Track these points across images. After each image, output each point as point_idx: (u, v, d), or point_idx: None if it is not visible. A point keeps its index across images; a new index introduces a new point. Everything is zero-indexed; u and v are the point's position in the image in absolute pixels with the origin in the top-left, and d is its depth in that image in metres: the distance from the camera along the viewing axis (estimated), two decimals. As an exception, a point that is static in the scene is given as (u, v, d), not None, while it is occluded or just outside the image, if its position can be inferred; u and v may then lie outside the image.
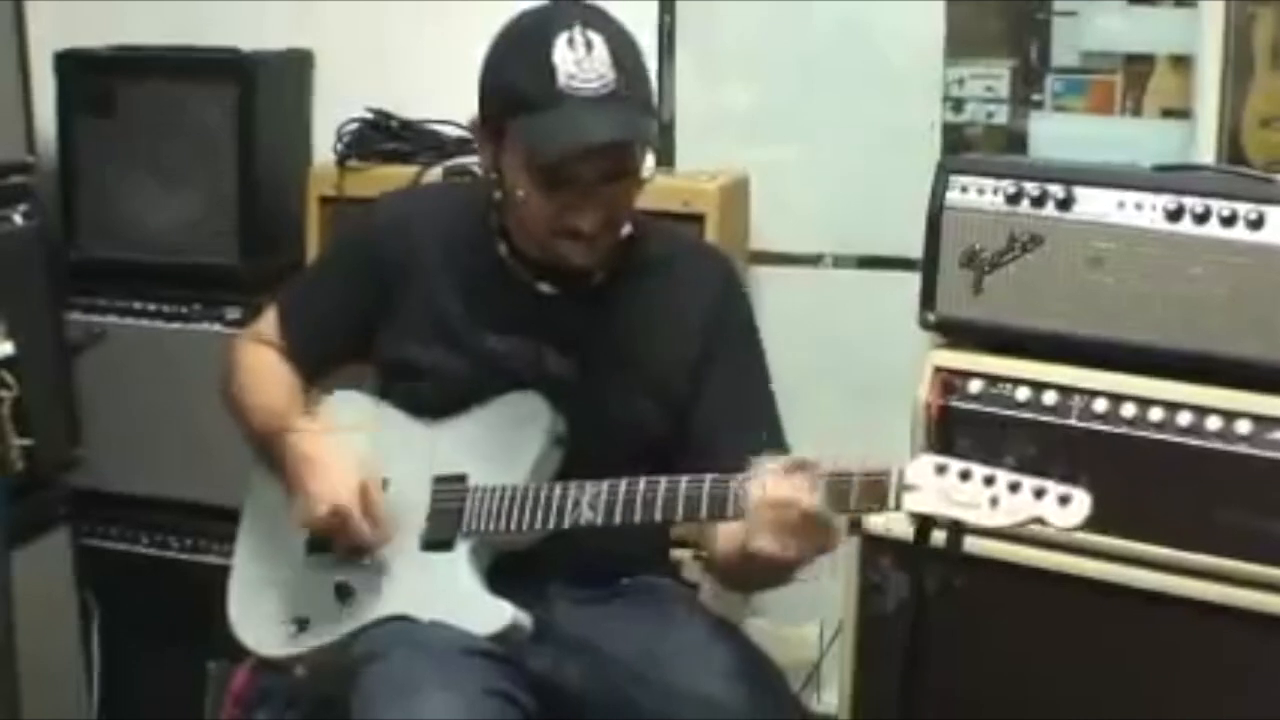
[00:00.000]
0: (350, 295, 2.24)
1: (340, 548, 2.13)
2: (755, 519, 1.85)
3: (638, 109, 2.04)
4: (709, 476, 1.95)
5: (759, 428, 2.18)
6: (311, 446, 2.16)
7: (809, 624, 3.16)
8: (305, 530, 2.17)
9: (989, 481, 1.79)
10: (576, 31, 1.97)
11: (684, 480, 1.96)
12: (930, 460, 1.82)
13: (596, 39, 1.98)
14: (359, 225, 2.36)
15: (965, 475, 1.80)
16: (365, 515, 2.09)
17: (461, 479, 2.12)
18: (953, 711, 2.29)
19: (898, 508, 1.83)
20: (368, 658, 2.01)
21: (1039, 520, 1.77)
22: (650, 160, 2.14)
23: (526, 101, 1.99)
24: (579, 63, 1.96)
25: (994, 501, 1.78)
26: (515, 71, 2.02)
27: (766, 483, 1.86)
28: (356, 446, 2.17)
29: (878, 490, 1.83)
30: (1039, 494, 1.77)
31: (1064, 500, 1.77)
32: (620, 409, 2.15)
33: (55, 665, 3.00)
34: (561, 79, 1.96)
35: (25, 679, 2.46)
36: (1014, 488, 1.78)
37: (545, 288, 2.17)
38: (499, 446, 2.11)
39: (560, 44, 1.97)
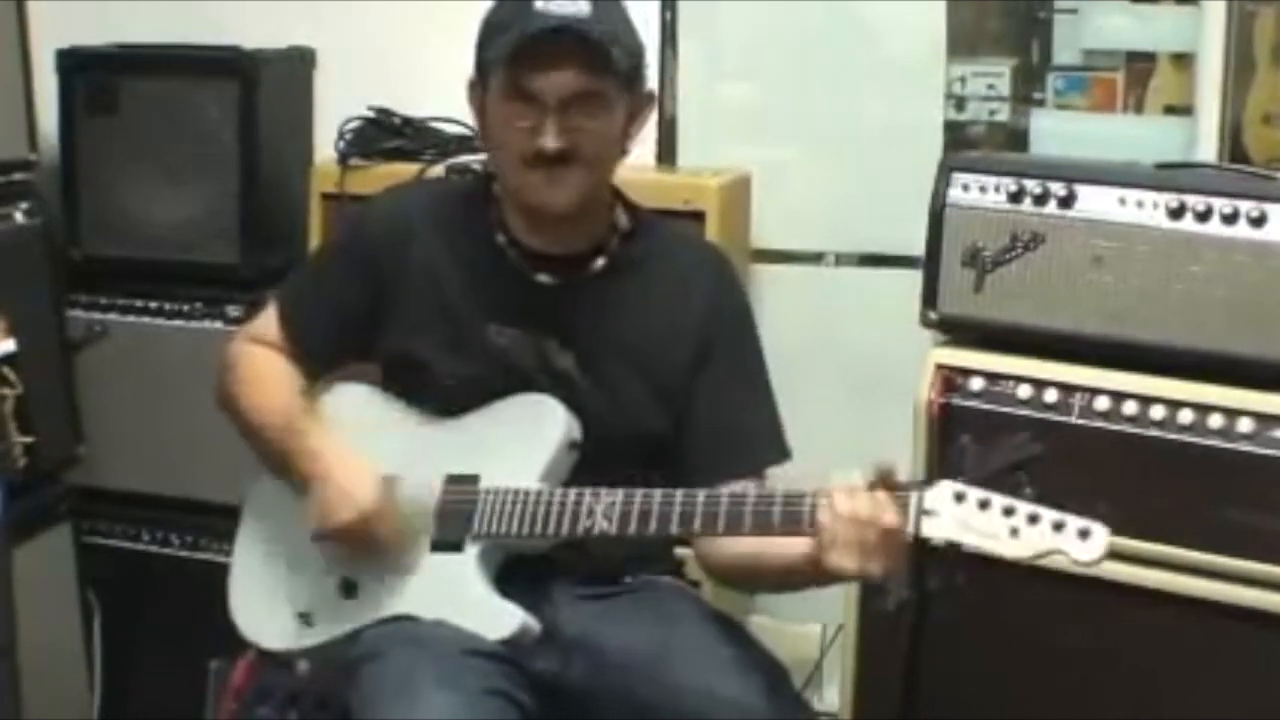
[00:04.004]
0: (350, 292, 2.23)
1: (353, 549, 2.12)
2: (832, 536, 1.84)
3: (606, 37, 2.06)
4: (725, 493, 1.96)
5: (758, 432, 2.19)
6: (322, 449, 2.14)
7: (811, 622, 3.16)
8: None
9: (1008, 512, 1.80)
10: None
11: (700, 495, 1.97)
12: (949, 487, 1.83)
13: None
14: (356, 222, 2.35)
15: (984, 504, 1.81)
16: (384, 521, 2.08)
17: (473, 479, 2.10)
18: (954, 710, 2.30)
19: (915, 533, 1.83)
20: (368, 657, 2.01)
21: (1058, 553, 1.78)
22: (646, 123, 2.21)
23: (502, 24, 2.06)
24: None
25: (1014, 532, 1.79)
26: (498, 8, 2.10)
27: (845, 499, 1.84)
28: (362, 442, 2.15)
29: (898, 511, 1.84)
30: (1058, 527, 1.78)
31: (1084, 534, 1.78)
32: (620, 403, 2.15)
33: (57, 662, 3.00)
34: (537, 4, 2.03)
35: (27, 676, 2.46)
36: (1033, 519, 1.79)
37: (544, 278, 2.18)
38: (512, 448, 2.10)
39: None
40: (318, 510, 2.10)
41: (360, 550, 2.10)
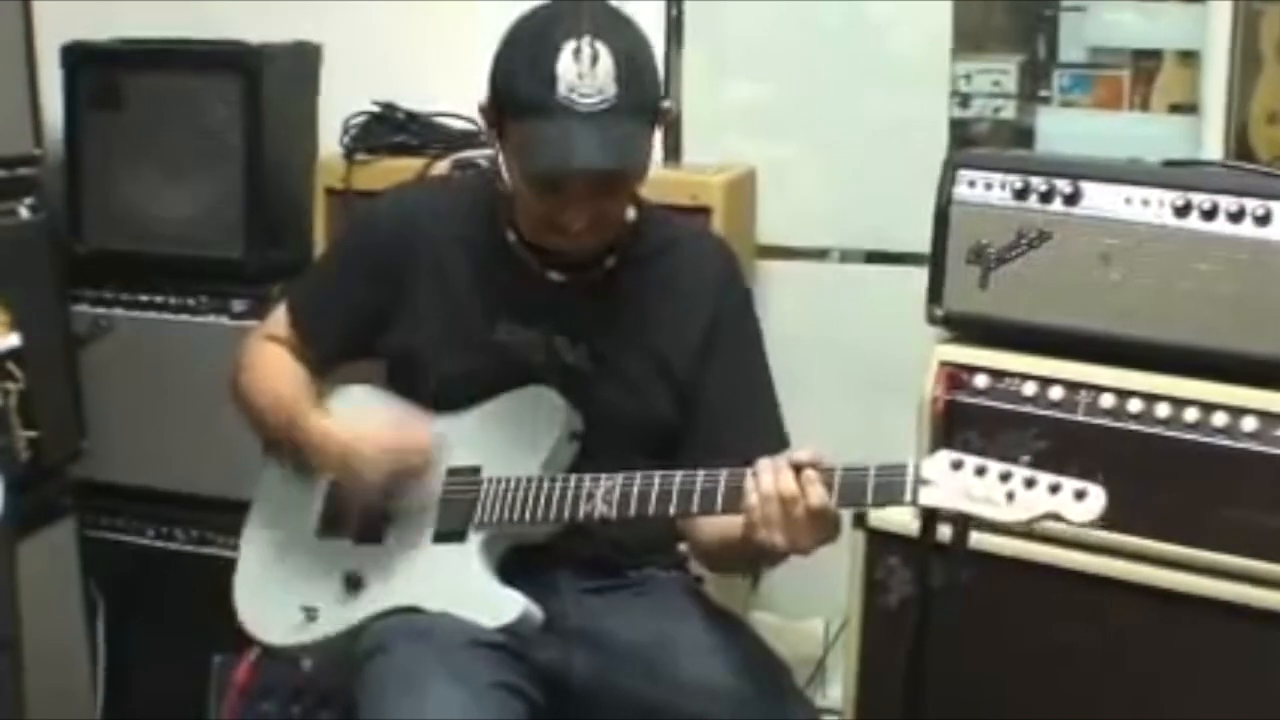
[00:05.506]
0: (358, 291, 2.24)
1: (354, 528, 2.16)
2: (761, 514, 1.87)
3: (636, 123, 2.01)
4: (724, 471, 1.95)
5: (760, 421, 2.19)
6: (331, 428, 2.17)
7: (814, 619, 3.16)
8: (318, 514, 2.20)
9: (1005, 477, 1.80)
10: (585, 42, 1.95)
11: (699, 475, 1.97)
12: (946, 456, 1.84)
13: (603, 51, 1.95)
14: (365, 220, 2.36)
15: (981, 471, 1.81)
16: (411, 449, 2.11)
17: (475, 470, 2.12)
18: (957, 707, 2.29)
19: (914, 502, 1.84)
20: (373, 651, 2.02)
21: (1055, 516, 1.78)
22: (654, 154, 2.16)
23: (524, 105, 1.98)
24: (581, 76, 1.94)
25: (1010, 497, 1.79)
26: (518, 73, 2.00)
27: (772, 479, 1.87)
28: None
29: (893, 485, 1.85)
30: (1054, 489, 1.78)
31: (1080, 495, 1.78)
32: (631, 396, 2.16)
33: (60, 656, 3.00)
34: (561, 90, 1.94)
35: (30, 670, 2.47)
36: (1029, 483, 1.79)
37: (554, 275, 2.18)
38: (513, 440, 2.12)
39: (566, 53, 1.95)
40: (343, 464, 2.13)
41: (394, 481, 2.11)
